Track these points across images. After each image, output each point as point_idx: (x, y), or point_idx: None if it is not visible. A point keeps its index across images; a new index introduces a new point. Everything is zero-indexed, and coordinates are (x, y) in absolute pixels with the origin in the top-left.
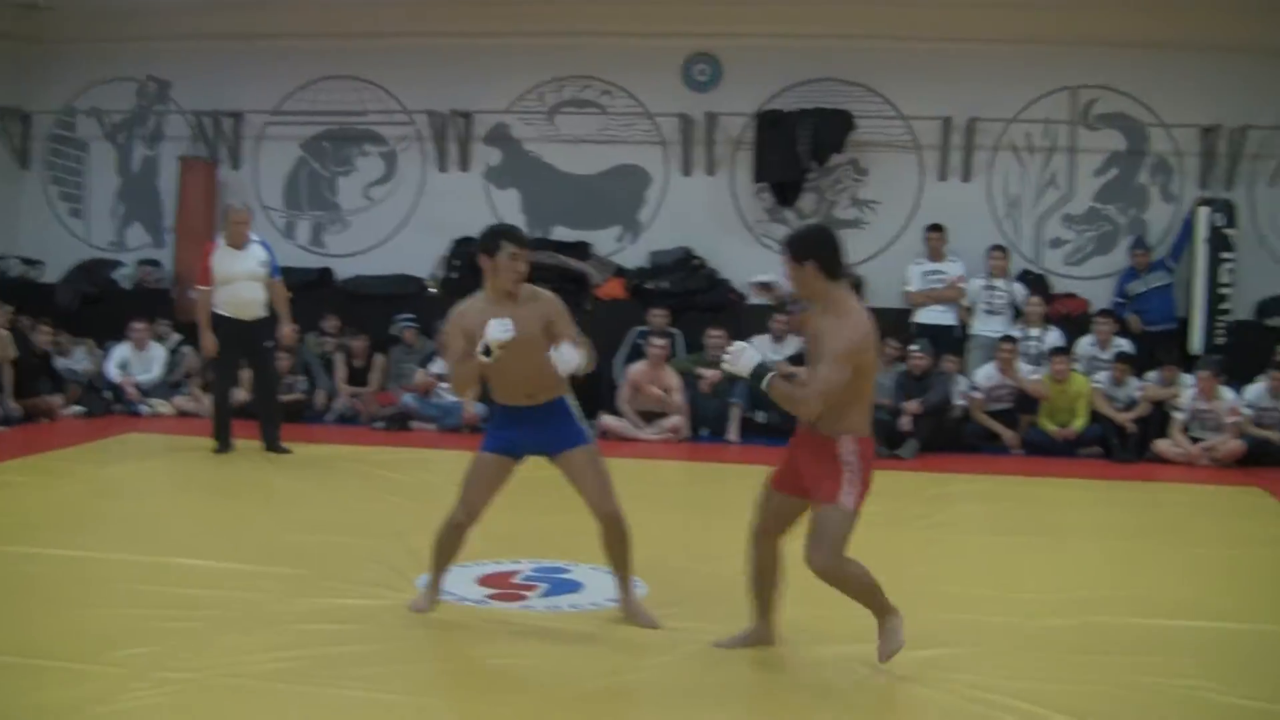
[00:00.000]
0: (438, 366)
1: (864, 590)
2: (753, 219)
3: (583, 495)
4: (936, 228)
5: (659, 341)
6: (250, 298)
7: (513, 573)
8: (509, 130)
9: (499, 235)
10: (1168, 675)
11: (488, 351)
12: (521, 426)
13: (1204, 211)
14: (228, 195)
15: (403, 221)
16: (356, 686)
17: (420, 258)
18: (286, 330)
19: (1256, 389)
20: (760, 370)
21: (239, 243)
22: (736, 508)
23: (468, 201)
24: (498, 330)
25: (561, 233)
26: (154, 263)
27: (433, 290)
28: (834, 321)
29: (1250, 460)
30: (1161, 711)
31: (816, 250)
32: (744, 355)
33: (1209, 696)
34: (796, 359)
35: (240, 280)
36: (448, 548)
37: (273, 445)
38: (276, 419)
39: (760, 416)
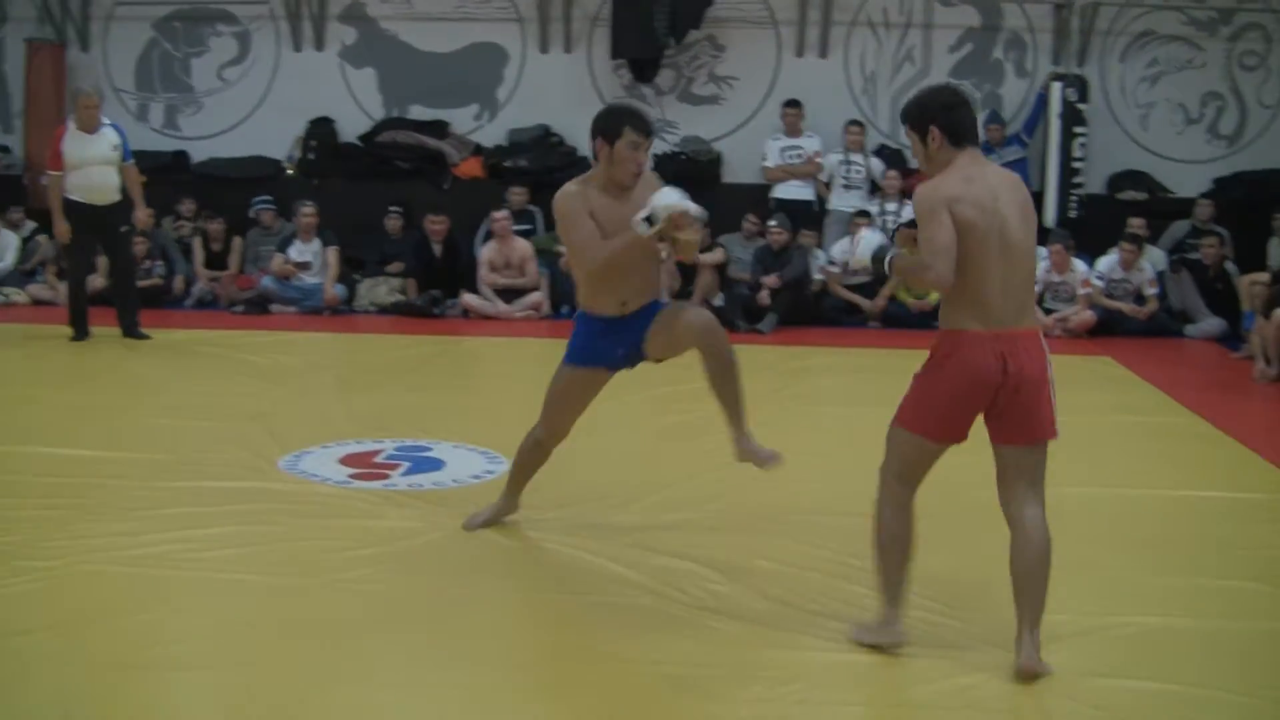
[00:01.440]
0: (295, 251)
1: (884, 548)
2: (611, 96)
3: (675, 332)
4: (794, 103)
5: (499, 214)
6: (103, 182)
7: (375, 452)
8: (364, 8)
9: (622, 119)
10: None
11: (651, 221)
12: (612, 337)
13: (1057, 87)
14: (77, 78)
15: (258, 102)
16: (217, 568)
17: (276, 139)
18: (141, 214)
19: (1108, 261)
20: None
21: (90, 127)
22: None
23: (323, 81)
24: (674, 196)
25: (419, 112)
26: (4, 149)
27: (289, 172)
28: None
29: (1101, 330)
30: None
31: (936, 114)
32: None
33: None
34: None
35: (93, 165)
36: (527, 465)
37: (131, 331)
38: (134, 304)
39: None
